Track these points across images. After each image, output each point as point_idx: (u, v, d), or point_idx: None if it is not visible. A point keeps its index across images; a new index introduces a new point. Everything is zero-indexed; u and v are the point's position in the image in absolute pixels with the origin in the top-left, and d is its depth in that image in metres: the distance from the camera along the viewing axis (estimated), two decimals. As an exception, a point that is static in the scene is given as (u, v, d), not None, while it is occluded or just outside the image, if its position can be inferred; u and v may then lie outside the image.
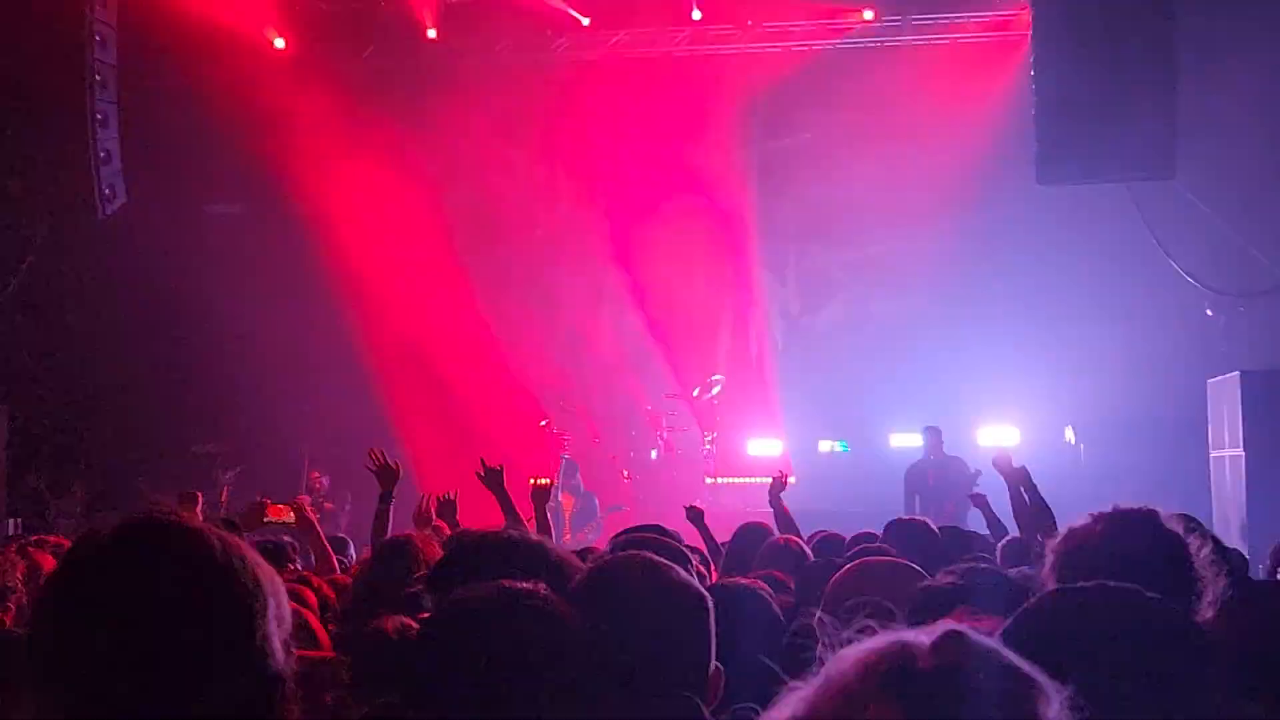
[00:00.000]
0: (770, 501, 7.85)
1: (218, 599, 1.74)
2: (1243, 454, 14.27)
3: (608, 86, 18.52)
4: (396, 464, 6.82)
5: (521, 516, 6.38)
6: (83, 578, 1.76)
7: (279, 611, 1.80)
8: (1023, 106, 15.46)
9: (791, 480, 8.50)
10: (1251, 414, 14.36)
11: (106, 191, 15.62)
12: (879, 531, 6.12)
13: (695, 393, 17.65)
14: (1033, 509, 6.63)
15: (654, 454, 17.39)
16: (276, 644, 1.78)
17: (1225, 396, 15.00)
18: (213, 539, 1.78)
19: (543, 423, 17.44)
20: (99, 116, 15.39)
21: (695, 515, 7.84)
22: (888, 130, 17.40)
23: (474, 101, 18.17)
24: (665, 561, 2.63)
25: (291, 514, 7.31)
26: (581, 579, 2.58)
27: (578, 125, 19.06)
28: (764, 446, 17.27)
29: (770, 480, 8.11)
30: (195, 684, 1.69)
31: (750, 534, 6.58)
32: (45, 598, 1.78)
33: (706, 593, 2.59)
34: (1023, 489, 6.81)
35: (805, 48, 18.41)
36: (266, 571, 1.82)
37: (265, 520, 7.45)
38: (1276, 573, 6.53)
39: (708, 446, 17.18)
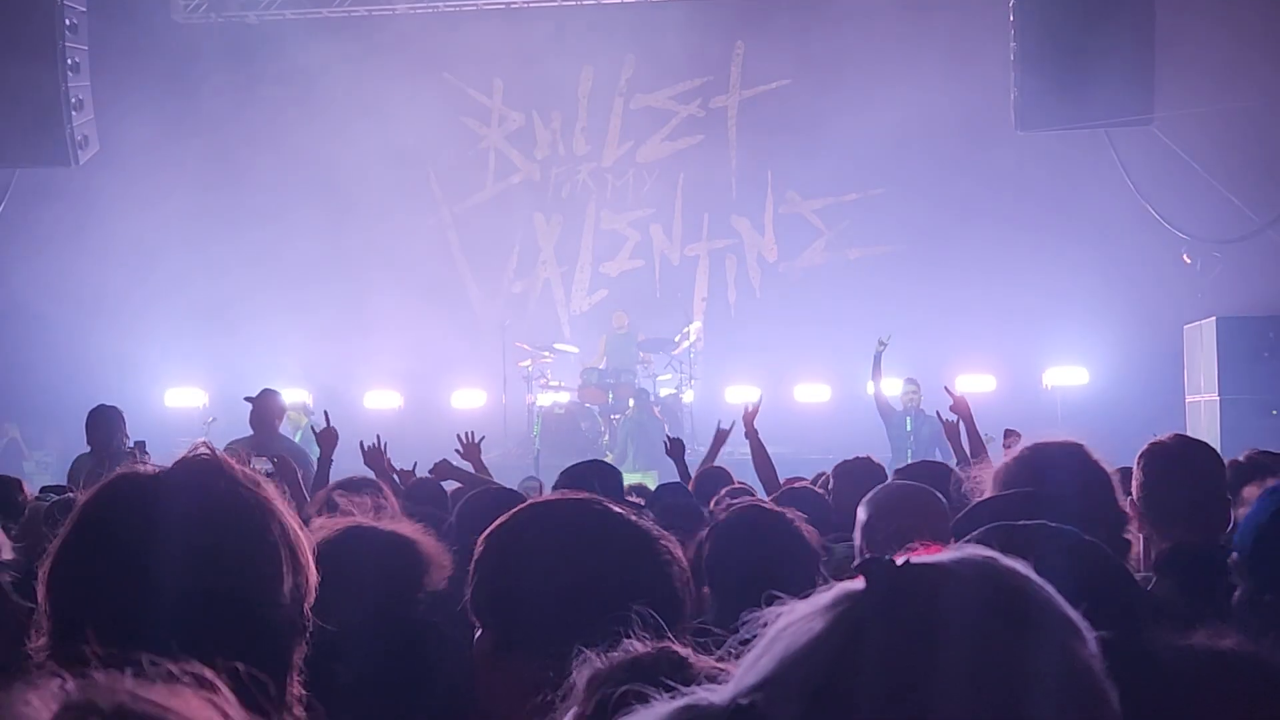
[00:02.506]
0: (745, 434, 7.79)
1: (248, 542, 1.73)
2: (1218, 399, 14.36)
3: (595, 33, 18.41)
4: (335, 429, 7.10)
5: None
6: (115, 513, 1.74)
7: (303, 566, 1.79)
8: (1002, 52, 15.40)
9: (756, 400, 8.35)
10: (1227, 359, 14.46)
11: (80, 139, 15.47)
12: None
13: (676, 340, 17.65)
14: (972, 443, 6.87)
15: (631, 402, 17.37)
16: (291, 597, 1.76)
17: (1201, 342, 15.08)
18: (247, 485, 1.77)
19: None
20: (70, 62, 15.21)
21: (677, 449, 7.79)
22: (866, 76, 17.32)
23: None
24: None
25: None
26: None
27: (560, 73, 18.98)
28: (742, 394, 17.26)
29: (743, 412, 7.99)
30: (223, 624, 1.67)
31: (709, 478, 6.76)
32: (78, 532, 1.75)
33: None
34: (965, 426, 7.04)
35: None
36: (300, 536, 1.80)
37: None
38: None
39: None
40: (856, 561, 1.13)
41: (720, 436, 8.10)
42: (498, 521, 2.14)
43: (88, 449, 8.28)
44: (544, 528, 2.11)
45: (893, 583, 1.08)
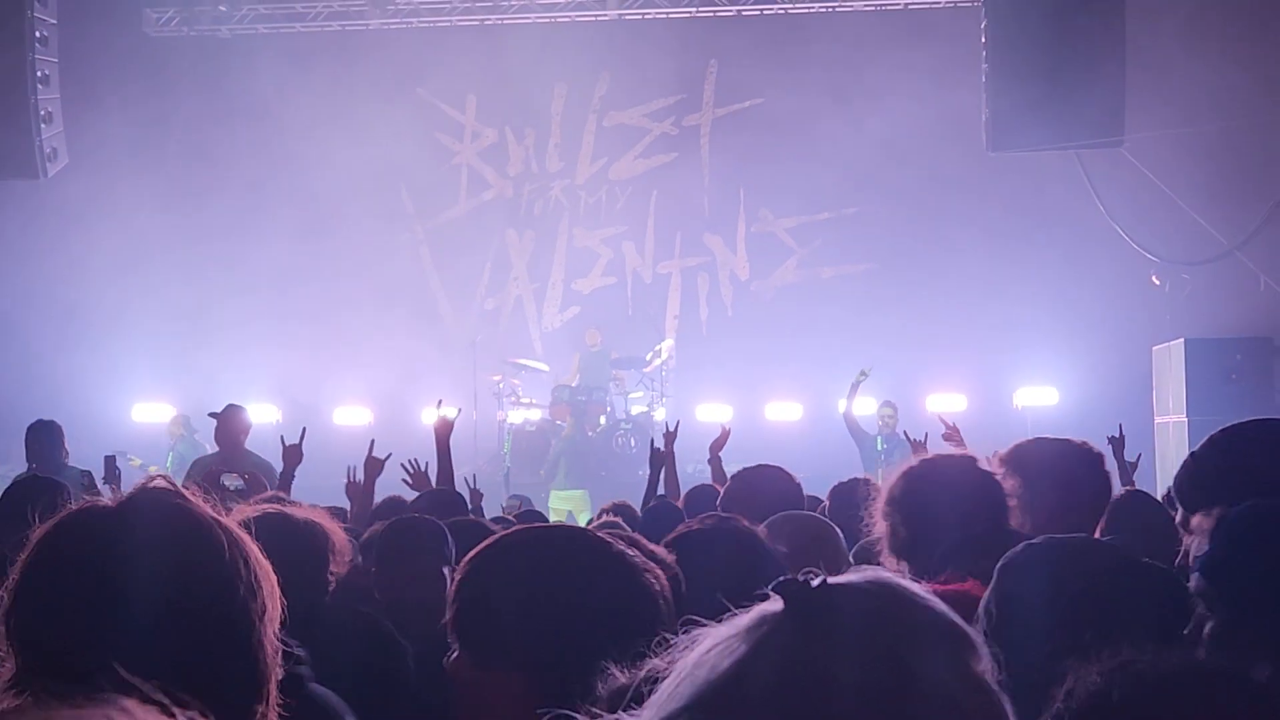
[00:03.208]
0: (709, 459, 7.79)
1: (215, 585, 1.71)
2: (1186, 420, 14.44)
3: (569, 51, 18.43)
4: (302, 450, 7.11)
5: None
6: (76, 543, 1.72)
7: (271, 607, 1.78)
8: (974, 74, 15.50)
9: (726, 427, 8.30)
10: (1195, 381, 14.54)
11: (49, 151, 15.38)
12: (824, 496, 6.20)
13: (648, 358, 17.65)
14: None
15: (602, 420, 17.35)
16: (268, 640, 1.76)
17: (1170, 363, 15.17)
18: (217, 526, 1.76)
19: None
20: (40, 74, 15.12)
21: (657, 461, 7.54)
22: (839, 96, 17.39)
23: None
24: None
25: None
26: None
27: (534, 90, 19.01)
28: (713, 413, 17.27)
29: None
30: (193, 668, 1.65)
31: (700, 495, 6.69)
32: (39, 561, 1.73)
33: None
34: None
35: (756, 12, 18.41)
36: (264, 566, 1.79)
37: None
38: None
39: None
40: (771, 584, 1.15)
41: (658, 458, 7.40)
42: (481, 545, 2.15)
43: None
44: (528, 553, 2.11)
45: (810, 603, 1.12)
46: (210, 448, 14.08)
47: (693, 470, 10.41)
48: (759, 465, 5.16)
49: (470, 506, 7.66)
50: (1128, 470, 7.08)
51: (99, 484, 7.26)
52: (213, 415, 8.50)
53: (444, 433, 6.75)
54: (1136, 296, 16.54)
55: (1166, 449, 14.80)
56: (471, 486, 7.53)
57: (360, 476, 6.92)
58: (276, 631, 1.78)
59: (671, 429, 7.66)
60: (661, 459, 7.31)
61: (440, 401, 7.16)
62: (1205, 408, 14.23)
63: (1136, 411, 15.40)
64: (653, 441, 7.42)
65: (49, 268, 17.21)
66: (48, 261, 17.24)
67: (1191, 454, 2.92)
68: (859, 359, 16.31)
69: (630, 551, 2.14)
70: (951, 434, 7.26)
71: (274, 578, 1.80)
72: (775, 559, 3.32)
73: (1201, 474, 2.94)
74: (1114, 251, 16.63)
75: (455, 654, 2.06)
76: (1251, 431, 3.09)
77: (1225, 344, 14.81)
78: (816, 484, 7.42)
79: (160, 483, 1.79)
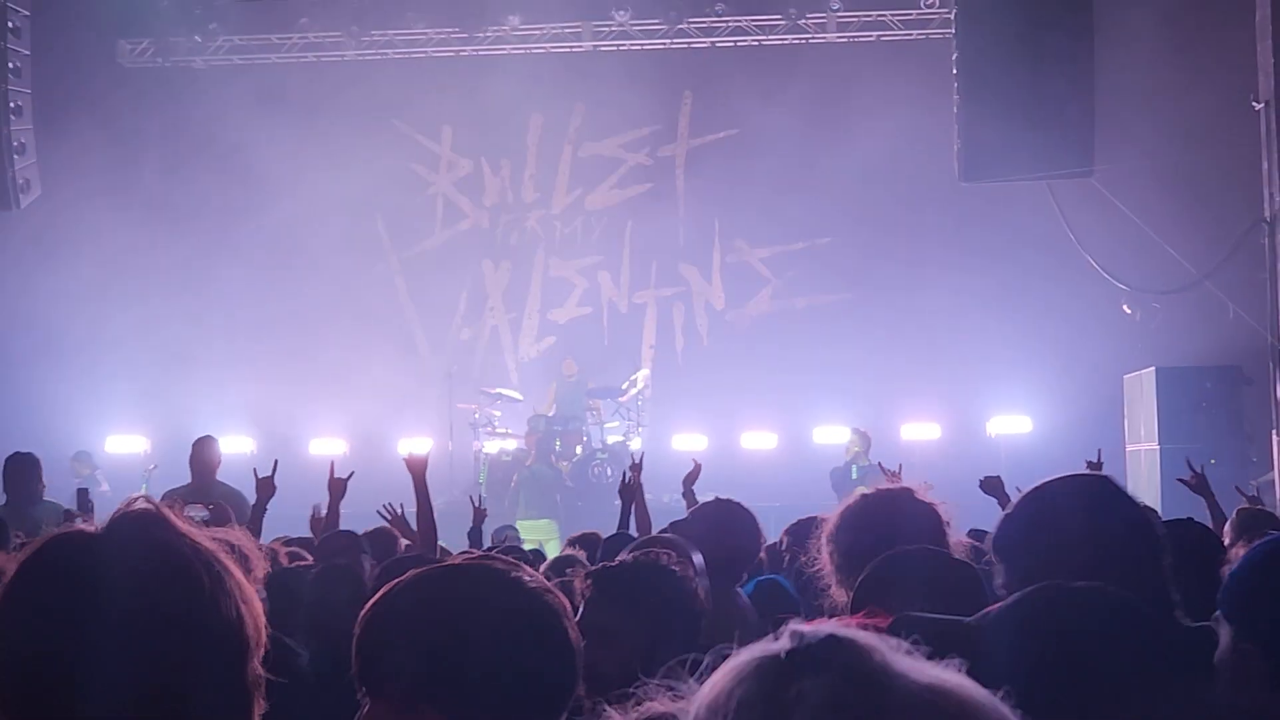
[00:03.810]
0: (684, 493, 7.79)
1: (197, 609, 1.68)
2: (1158, 448, 14.53)
3: (544, 82, 18.49)
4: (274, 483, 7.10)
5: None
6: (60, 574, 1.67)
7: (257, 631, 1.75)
8: (946, 104, 15.63)
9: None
10: (1166, 409, 14.65)
11: (21, 183, 15.34)
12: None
13: (623, 387, 17.67)
14: None
15: (579, 449, 17.35)
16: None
17: (1141, 391, 15.28)
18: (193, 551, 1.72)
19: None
20: (13, 105, 15.11)
21: (628, 494, 7.37)
22: (812, 127, 17.51)
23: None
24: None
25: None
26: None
27: (510, 120, 19.08)
28: (689, 442, 17.30)
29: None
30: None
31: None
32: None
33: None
34: None
35: (731, 43, 18.54)
36: (248, 590, 1.76)
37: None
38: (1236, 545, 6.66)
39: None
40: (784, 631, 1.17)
41: (628, 491, 7.12)
42: (380, 592, 2.12)
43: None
44: (418, 593, 2.09)
45: (825, 652, 1.14)
46: (106, 487, 14.07)
47: (669, 500, 10.41)
48: (716, 499, 5.40)
49: (474, 524, 7.67)
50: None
51: (75, 518, 7.22)
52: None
53: (419, 469, 6.54)
54: (1108, 325, 16.67)
55: (1138, 476, 14.89)
56: (477, 505, 7.54)
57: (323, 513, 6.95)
58: (259, 659, 1.74)
59: (637, 461, 7.43)
60: (631, 491, 7.07)
61: (405, 441, 7.06)
62: (1176, 435, 14.34)
63: (1109, 439, 15.38)
64: (625, 474, 7.31)
65: (22, 299, 17.13)
66: (21, 293, 17.17)
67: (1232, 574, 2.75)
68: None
69: (529, 574, 2.12)
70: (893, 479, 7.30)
71: (258, 604, 1.77)
72: (688, 600, 3.43)
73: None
74: (1085, 281, 16.75)
75: (367, 707, 2.03)
76: None
77: (1196, 372, 14.93)
78: (790, 513, 7.46)
79: (141, 505, 1.74)
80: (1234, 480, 9.27)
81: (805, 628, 1.18)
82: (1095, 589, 2.15)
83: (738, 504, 5.24)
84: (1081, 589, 2.15)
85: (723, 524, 5.07)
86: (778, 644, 1.16)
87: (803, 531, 5.74)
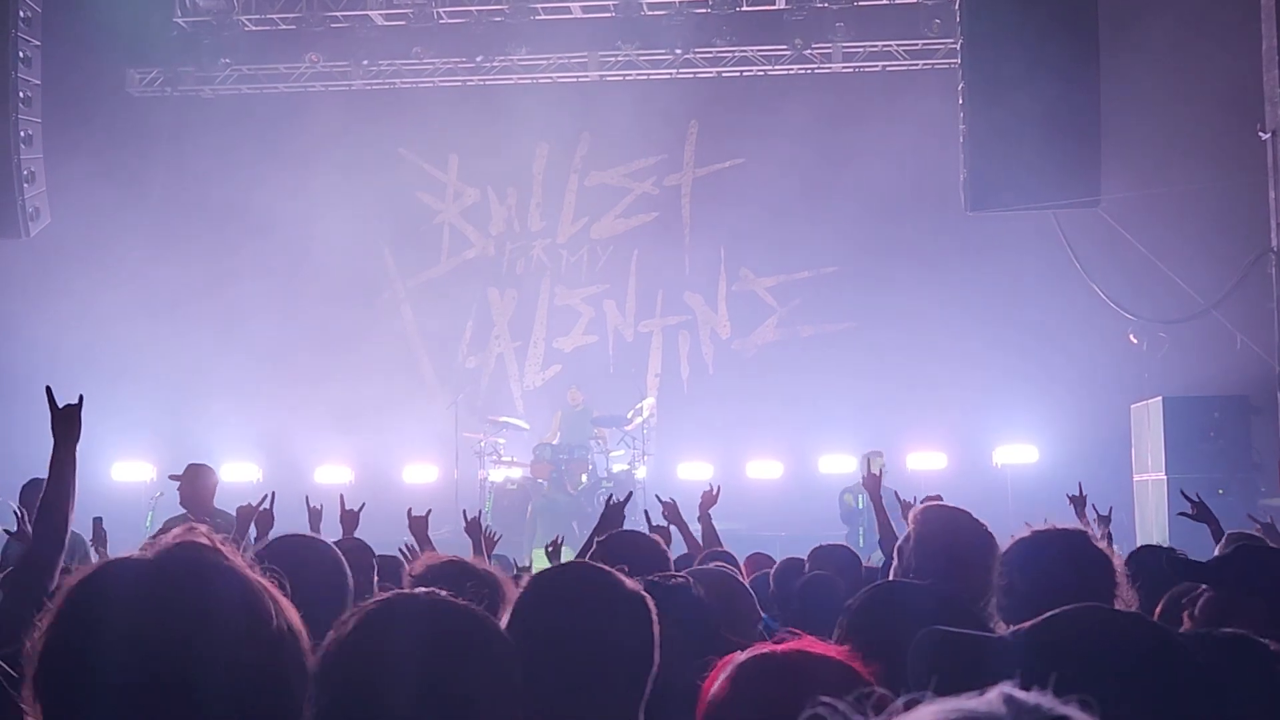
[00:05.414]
0: (699, 517, 7.77)
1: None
2: (1165, 478, 14.48)
3: (551, 111, 18.56)
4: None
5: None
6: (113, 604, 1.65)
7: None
8: (952, 134, 15.66)
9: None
10: (1173, 439, 14.59)
11: (31, 211, 15.41)
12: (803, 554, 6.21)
13: (629, 416, 17.64)
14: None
15: (584, 478, 17.32)
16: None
17: (1148, 421, 15.23)
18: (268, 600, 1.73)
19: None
20: (23, 134, 15.18)
21: (674, 514, 7.49)
22: (818, 157, 17.56)
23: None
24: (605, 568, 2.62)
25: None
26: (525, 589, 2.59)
27: (516, 149, 19.16)
28: (695, 471, 17.27)
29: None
30: None
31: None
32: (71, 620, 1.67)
33: (645, 595, 2.61)
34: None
35: (737, 73, 18.62)
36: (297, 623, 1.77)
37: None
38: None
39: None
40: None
41: (611, 515, 6.84)
42: (346, 624, 2.11)
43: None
44: (397, 633, 2.08)
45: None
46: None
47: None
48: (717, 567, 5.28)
49: (486, 552, 7.63)
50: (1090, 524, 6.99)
51: (89, 548, 7.14)
52: (173, 478, 8.40)
53: (420, 531, 6.71)
54: (1115, 355, 16.65)
55: (1146, 507, 14.84)
56: (487, 533, 7.49)
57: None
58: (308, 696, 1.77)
59: (709, 495, 7.77)
60: (613, 515, 6.72)
61: (410, 510, 7.02)
62: (1184, 465, 14.28)
63: (1116, 469, 15.47)
64: (610, 498, 7.11)
65: (29, 326, 17.16)
66: (28, 320, 17.20)
67: None
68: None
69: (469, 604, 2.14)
70: (868, 483, 7.37)
71: (303, 630, 1.77)
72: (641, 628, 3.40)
73: None
74: (1092, 310, 16.75)
75: None
76: None
77: (1203, 402, 14.88)
78: (795, 544, 7.44)
79: (198, 537, 1.74)
80: (1244, 510, 9.22)
81: (1017, 692, 1.19)
82: (1129, 614, 2.15)
83: (738, 582, 5.07)
84: (1115, 611, 2.14)
85: (723, 594, 4.91)
86: (987, 705, 1.17)
87: (791, 574, 5.74)
